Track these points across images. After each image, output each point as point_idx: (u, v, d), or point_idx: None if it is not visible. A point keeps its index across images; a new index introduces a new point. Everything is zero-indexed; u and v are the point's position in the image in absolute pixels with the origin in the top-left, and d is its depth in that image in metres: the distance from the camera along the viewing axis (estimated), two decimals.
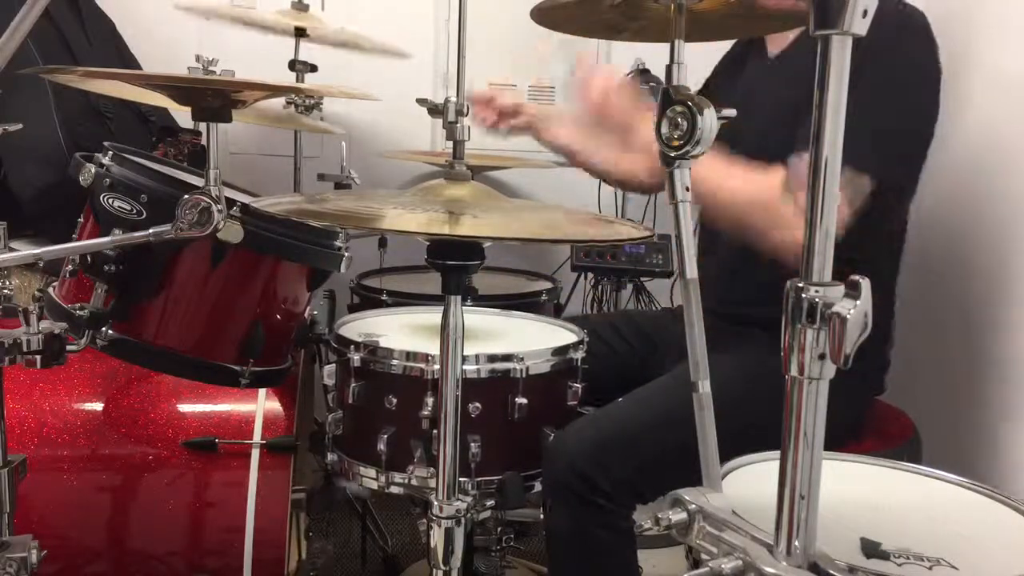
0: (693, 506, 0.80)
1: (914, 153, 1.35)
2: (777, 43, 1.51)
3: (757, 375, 1.06)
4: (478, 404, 1.30)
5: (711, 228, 1.56)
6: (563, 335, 1.55)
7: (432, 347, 1.27)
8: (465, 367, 1.26)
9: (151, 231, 1.16)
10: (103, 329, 1.22)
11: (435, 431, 1.12)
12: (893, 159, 1.28)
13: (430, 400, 1.29)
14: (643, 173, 1.68)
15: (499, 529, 1.66)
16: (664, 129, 0.82)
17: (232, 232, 1.17)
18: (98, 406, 1.46)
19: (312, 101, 2.19)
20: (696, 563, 0.79)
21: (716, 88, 1.65)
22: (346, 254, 1.39)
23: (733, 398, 0.90)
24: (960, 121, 1.65)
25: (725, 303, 1.41)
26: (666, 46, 0.86)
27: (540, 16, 1.06)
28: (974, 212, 1.66)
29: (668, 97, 0.82)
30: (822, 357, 0.63)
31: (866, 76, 1.23)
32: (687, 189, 0.84)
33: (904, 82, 1.29)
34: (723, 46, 1.68)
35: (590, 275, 2.47)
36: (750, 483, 0.96)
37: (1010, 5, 1.62)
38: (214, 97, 1.16)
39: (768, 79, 1.51)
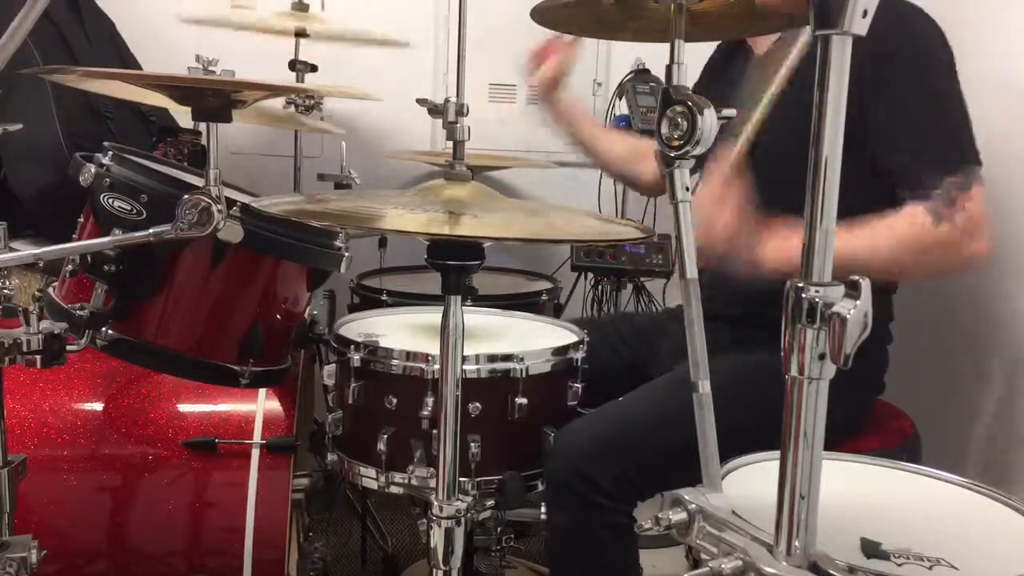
0: (693, 506, 0.80)
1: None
2: (762, 44, 1.51)
3: (755, 375, 1.06)
4: (478, 404, 1.30)
5: None
6: (563, 335, 1.55)
7: (432, 347, 1.27)
8: (465, 367, 1.26)
9: (151, 231, 1.16)
10: (103, 329, 1.22)
11: (435, 431, 1.12)
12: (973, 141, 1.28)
13: (430, 400, 1.29)
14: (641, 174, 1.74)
15: (499, 529, 1.66)
16: (664, 129, 0.82)
17: (232, 232, 1.17)
18: (98, 406, 1.46)
19: (312, 101, 2.19)
20: (696, 563, 0.79)
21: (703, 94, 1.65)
22: (346, 254, 1.39)
23: (731, 398, 0.90)
24: None
25: (722, 304, 1.40)
26: (666, 46, 0.86)
27: (540, 16, 1.06)
28: None
29: (668, 97, 0.82)
30: (822, 357, 0.63)
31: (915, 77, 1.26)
32: (687, 189, 0.84)
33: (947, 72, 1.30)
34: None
35: (590, 275, 2.47)
36: (750, 483, 0.96)
37: (1008, 12, 1.63)
38: (214, 97, 1.16)
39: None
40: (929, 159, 1.26)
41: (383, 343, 1.36)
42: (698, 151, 0.80)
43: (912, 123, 1.28)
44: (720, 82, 1.59)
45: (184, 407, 1.48)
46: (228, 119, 1.18)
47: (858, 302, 0.61)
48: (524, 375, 1.33)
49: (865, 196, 1.15)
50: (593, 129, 1.80)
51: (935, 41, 1.31)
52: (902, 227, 1.24)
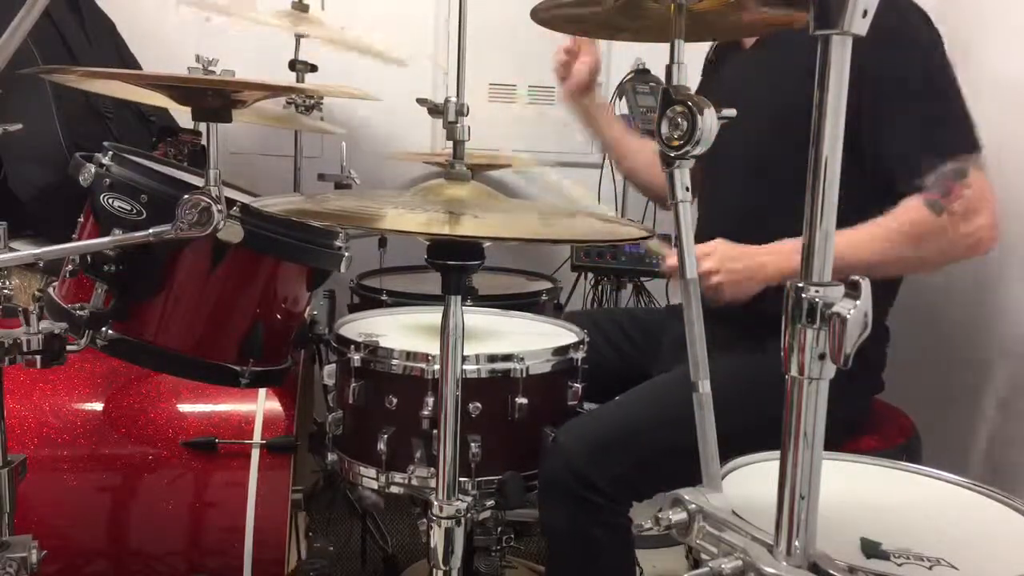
0: (693, 506, 0.80)
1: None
2: (750, 39, 1.52)
3: (755, 376, 1.06)
4: (478, 404, 1.30)
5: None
6: (563, 335, 1.55)
7: (432, 347, 1.27)
8: (465, 367, 1.26)
9: (151, 231, 1.16)
10: (103, 329, 1.22)
11: (435, 431, 1.12)
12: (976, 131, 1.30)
13: (430, 400, 1.29)
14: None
15: (499, 529, 1.66)
16: (664, 129, 0.82)
17: (232, 232, 1.17)
18: (98, 406, 1.46)
19: (312, 101, 2.19)
20: (696, 563, 0.79)
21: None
22: (346, 254, 1.39)
23: (731, 399, 0.90)
24: None
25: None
26: (666, 46, 0.86)
27: (540, 16, 1.06)
28: None
29: (668, 97, 0.82)
30: (822, 357, 0.63)
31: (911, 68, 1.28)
32: (687, 189, 0.84)
33: (940, 63, 1.31)
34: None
35: (590, 275, 2.47)
36: (750, 483, 0.96)
37: (1011, 9, 1.63)
38: (214, 97, 1.16)
39: (748, 71, 1.51)
40: (924, 148, 1.27)
41: (383, 343, 1.36)
42: (698, 151, 0.80)
43: (907, 114, 1.30)
44: (712, 81, 1.61)
45: (184, 407, 1.48)
46: (228, 119, 1.18)
47: (858, 302, 0.61)
48: (524, 375, 1.33)
49: (864, 194, 1.16)
50: (622, 134, 1.79)
51: (919, 23, 1.32)
52: (903, 223, 1.27)
